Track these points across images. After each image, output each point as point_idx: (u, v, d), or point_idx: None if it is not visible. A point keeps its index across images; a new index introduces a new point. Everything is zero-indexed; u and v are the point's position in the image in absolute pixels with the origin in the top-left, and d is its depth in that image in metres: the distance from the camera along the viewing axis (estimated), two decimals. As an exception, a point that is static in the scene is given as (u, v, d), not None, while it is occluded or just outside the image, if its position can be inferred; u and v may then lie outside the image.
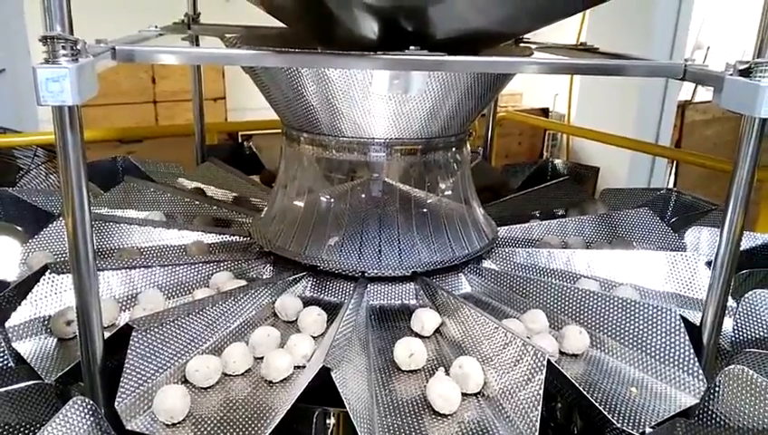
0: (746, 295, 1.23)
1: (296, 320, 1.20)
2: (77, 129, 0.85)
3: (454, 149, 1.42)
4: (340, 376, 0.93)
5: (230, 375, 1.04)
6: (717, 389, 1.02)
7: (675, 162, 4.23)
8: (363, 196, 1.36)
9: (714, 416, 1.02)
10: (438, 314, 1.21)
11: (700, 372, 1.05)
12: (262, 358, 1.05)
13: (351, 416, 0.88)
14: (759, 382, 0.97)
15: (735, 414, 1.00)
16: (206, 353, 1.06)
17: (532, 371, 0.95)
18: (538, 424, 0.88)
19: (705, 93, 4.89)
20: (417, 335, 1.17)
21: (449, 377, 1.02)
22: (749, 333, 1.22)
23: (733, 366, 1.03)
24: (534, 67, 1.12)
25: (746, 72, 0.95)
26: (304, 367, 1.05)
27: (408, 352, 1.08)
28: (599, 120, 3.58)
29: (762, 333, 1.22)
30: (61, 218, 1.43)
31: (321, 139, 1.36)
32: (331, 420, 1.12)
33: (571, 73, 3.88)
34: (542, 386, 0.92)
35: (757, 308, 1.23)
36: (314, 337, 1.14)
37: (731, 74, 0.96)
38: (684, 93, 4.76)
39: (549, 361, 0.94)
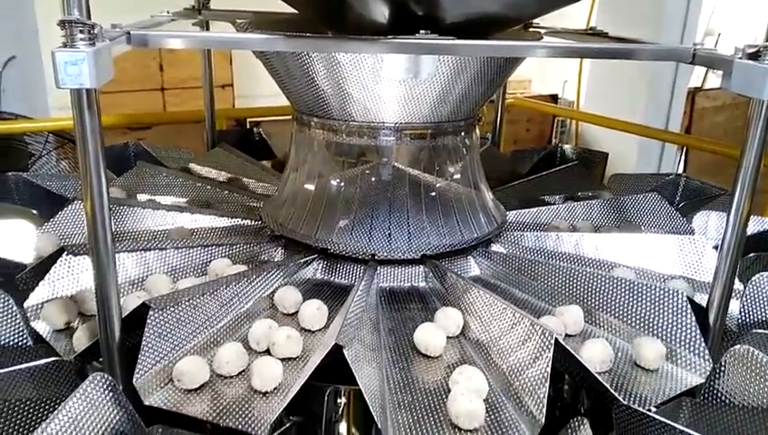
0: (753, 278, 1.24)
1: (296, 313, 1.18)
2: (95, 112, 0.87)
3: (463, 133, 1.43)
4: (352, 354, 0.95)
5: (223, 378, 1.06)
6: (723, 368, 1.04)
7: (684, 149, 4.21)
8: (373, 180, 1.38)
9: (719, 395, 1.03)
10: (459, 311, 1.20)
11: (706, 352, 1.06)
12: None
13: (363, 392, 0.90)
14: (764, 362, 0.99)
15: (741, 393, 1.01)
16: (222, 332, 1.09)
17: (540, 349, 0.97)
18: (546, 400, 0.90)
19: (715, 80, 4.87)
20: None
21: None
22: (755, 315, 1.23)
23: (738, 346, 1.04)
24: (544, 51, 1.12)
25: (755, 56, 0.95)
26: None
27: (428, 342, 1.10)
28: (608, 107, 3.57)
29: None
30: (75, 202, 1.46)
31: (331, 123, 1.37)
32: (342, 399, 1.15)
33: (580, 57, 3.84)
34: (550, 364, 0.93)
35: (764, 291, 1.24)
36: (314, 331, 1.15)
37: (740, 58, 0.97)
38: (694, 81, 4.74)
39: (557, 340, 0.96)
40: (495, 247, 1.46)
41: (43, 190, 1.65)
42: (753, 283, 1.24)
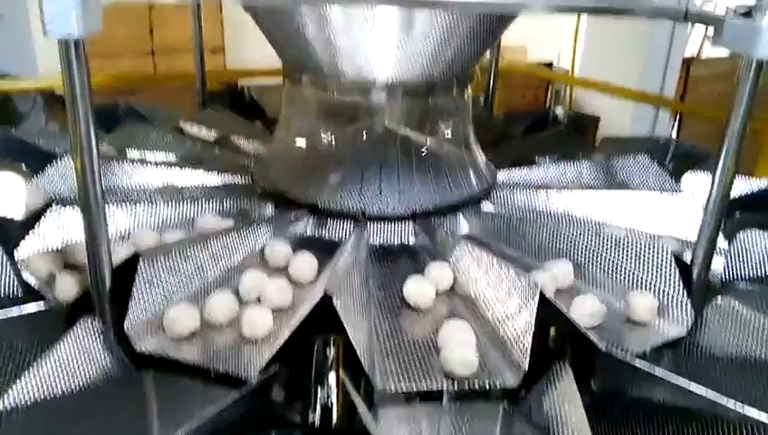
0: (738, 236, 1.26)
1: (286, 267, 1.19)
2: (83, 63, 0.86)
3: (455, 92, 1.43)
4: (341, 303, 0.96)
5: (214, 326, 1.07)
6: (705, 321, 1.06)
7: (678, 118, 4.21)
8: (364, 137, 1.38)
9: (700, 347, 1.06)
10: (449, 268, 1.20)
11: (688, 305, 1.08)
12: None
13: (351, 340, 0.92)
14: (744, 314, 1.01)
15: (720, 345, 1.04)
16: (212, 283, 1.10)
17: (525, 300, 0.99)
18: (529, 349, 0.92)
19: (711, 50, 4.83)
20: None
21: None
22: (738, 272, 1.25)
23: (720, 299, 1.07)
24: (537, 5, 1.12)
25: (747, 15, 0.95)
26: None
27: (418, 295, 1.11)
28: (603, 74, 3.55)
29: (751, 272, 1.25)
30: (65, 156, 1.45)
31: (322, 80, 1.37)
32: (331, 351, 1.16)
33: (573, 12, 3.82)
34: (534, 314, 0.95)
35: (747, 248, 1.26)
36: (304, 284, 1.15)
37: (732, 18, 0.97)
38: (690, 50, 4.71)
39: (542, 291, 0.97)
40: (485, 206, 1.47)
41: (31, 147, 1.64)
42: (738, 240, 1.26)
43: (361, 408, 0.83)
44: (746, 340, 0.99)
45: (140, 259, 1.01)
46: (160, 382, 0.95)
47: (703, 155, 1.85)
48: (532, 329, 0.94)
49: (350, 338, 0.92)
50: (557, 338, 1.04)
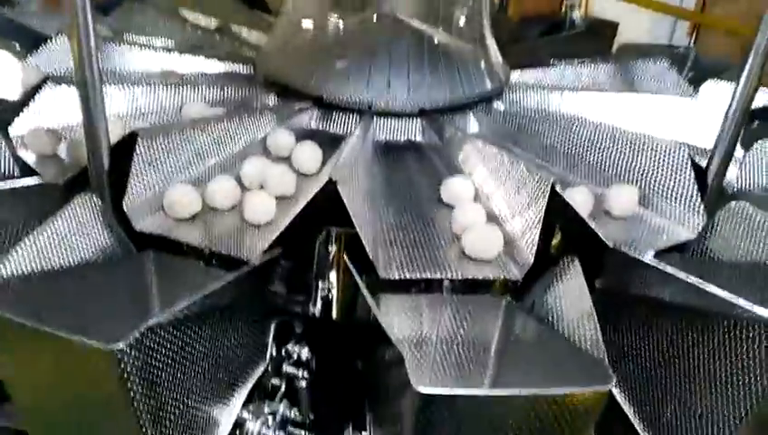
0: (756, 144, 1.22)
1: (289, 157, 1.15)
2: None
3: (470, -18, 1.35)
4: (346, 191, 0.93)
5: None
6: (716, 225, 1.04)
7: (695, 34, 4.05)
8: (373, 27, 1.31)
9: (709, 252, 1.04)
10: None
11: (701, 208, 1.06)
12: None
13: (357, 228, 0.90)
14: (757, 218, 0.99)
15: (730, 249, 1.02)
16: (214, 168, 1.07)
17: (535, 197, 0.96)
18: (536, 243, 0.90)
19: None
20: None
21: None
22: (753, 181, 1.22)
23: (733, 202, 1.04)
24: None
25: None
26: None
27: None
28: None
29: (765, 182, 1.22)
30: (60, 35, 1.38)
31: (330, -38, 1.28)
32: (333, 247, 1.15)
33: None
34: (543, 210, 0.92)
35: (763, 158, 1.22)
36: (308, 174, 1.12)
37: None
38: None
39: (553, 187, 0.94)
40: (497, 105, 1.42)
41: (24, 29, 1.57)
42: (754, 150, 1.23)
43: (366, 295, 0.82)
44: (758, 245, 0.97)
45: (139, 138, 0.97)
46: (160, 262, 0.93)
47: (722, 67, 1.77)
48: (540, 224, 0.92)
49: (355, 225, 0.90)
50: (565, 236, 1.02)
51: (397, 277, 0.89)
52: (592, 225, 0.92)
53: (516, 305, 0.92)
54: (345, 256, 0.92)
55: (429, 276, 0.90)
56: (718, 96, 1.53)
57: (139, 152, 0.96)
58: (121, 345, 0.61)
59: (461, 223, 0.97)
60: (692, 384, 0.87)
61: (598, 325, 0.76)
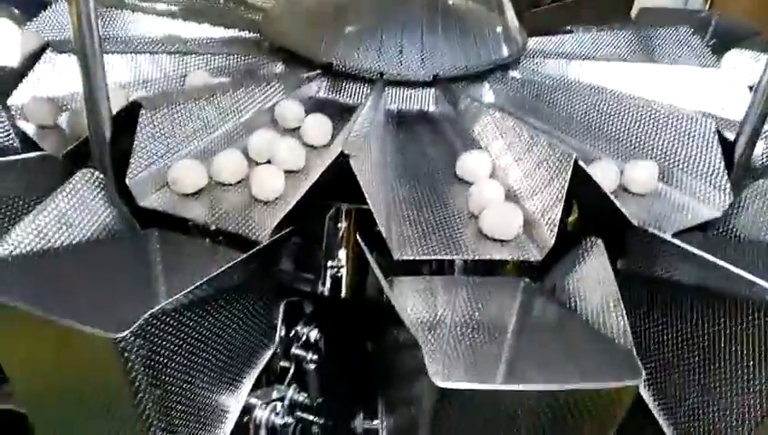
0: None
1: (297, 128, 1.10)
2: None
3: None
4: (358, 165, 0.89)
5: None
6: (742, 204, 0.99)
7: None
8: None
9: (734, 231, 1.00)
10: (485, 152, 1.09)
11: (728, 186, 1.01)
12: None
13: (370, 204, 0.86)
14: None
15: (756, 229, 0.98)
16: (220, 140, 1.03)
17: (557, 171, 0.92)
18: (557, 222, 0.86)
19: None
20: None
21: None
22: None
23: (761, 181, 0.99)
24: None
25: None
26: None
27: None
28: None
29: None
30: (59, 2, 1.32)
31: None
32: (343, 224, 1.11)
33: None
34: (566, 185, 0.88)
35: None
36: (317, 147, 1.07)
37: None
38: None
39: (576, 162, 0.90)
40: (513, 74, 1.36)
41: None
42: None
43: (379, 276, 0.78)
44: (786, 224, 0.93)
45: (142, 109, 0.93)
46: (165, 240, 0.90)
47: (744, 32, 1.70)
48: (562, 202, 0.87)
49: (368, 201, 0.86)
50: (584, 214, 0.98)
51: (411, 258, 0.85)
52: (617, 203, 0.88)
53: (536, 288, 0.89)
54: (357, 235, 0.88)
55: (446, 257, 0.86)
56: (742, 65, 1.47)
57: (142, 124, 0.92)
58: (125, 333, 0.58)
59: (478, 201, 0.93)
60: (715, 370, 0.84)
61: (624, 312, 0.72)
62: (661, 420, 0.90)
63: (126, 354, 0.59)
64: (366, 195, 0.86)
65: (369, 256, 0.81)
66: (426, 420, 0.65)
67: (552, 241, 0.86)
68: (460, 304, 0.91)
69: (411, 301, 0.87)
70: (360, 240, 0.85)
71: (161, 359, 0.65)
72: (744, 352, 0.80)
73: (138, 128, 0.91)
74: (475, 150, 1.05)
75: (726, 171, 1.03)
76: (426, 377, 0.63)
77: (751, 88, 1.30)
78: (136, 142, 0.91)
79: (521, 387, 0.61)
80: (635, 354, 0.67)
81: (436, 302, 0.90)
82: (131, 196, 0.88)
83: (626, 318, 0.72)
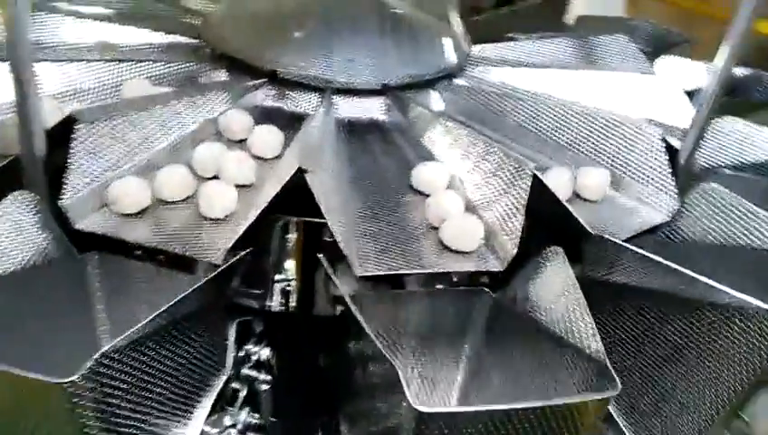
0: (716, 122, 1.20)
1: (245, 140, 1.05)
2: None
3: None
4: (315, 180, 0.86)
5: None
6: (689, 206, 1.02)
7: None
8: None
9: (680, 234, 1.03)
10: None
11: (675, 190, 1.04)
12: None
13: (329, 223, 0.82)
14: (730, 200, 0.98)
15: (701, 231, 1.01)
16: (162, 155, 0.97)
17: (514, 180, 0.91)
18: (518, 232, 0.86)
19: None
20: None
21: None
22: (715, 159, 1.21)
23: (706, 183, 1.02)
24: None
25: None
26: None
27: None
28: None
29: (727, 160, 1.21)
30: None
31: None
32: (292, 236, 1.07)
33: None
34: (525, 196, 0.88)
35: (725, 134, 1.21)
36: (267, 159, 1.03)
37: None
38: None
39: (534, 173, 0.89)
40: (460, 81, 1.36)
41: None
42: (715, 127, 1.21)
43: (342, 290, 0.75)
44: (732, 227, 0.96)
45: (77, 123, 0.86)
46: (106, 267, 0.84)
47: (675, 39, 1.77)
48: (522, 212, 0.87)
49: (326, 218, 0.83)
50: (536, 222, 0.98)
51: (374, 274, 0.82)
52: (574, 212, 0.88)
53: (499, 299, 0.88)
54: (321, 256, 0.84)
55: (409, 272, 0.84)
56: (675, 71, 1.53)
57: (77, 139, 0.85)
58: (74, 377, 0.53)
59: (436, 212, 0.91)
60: (670, 372, 0.86)
61: (592, 319, 0.72)
62: (620, 420, 0.91)
63: (75, 399, 0.54)
64: (323, 211, 0.83)
65: (330, 271, 0.78)
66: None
67: (514, 251, 0.85)
68: (421, 317, 0.89)
69: (371, 314, 0.85)
70: (322, 258, 0.82)
71: (111, 399, 0.60)
72: (700, 355, 0.82)
73: (72, 144, 0.85)
74: (431, 162, 1.03)
75: (672, 175, 1.05)
76: (401, 399, 0.60)
77: (688, 93, 1.35)
78: (71, 160, 0.84)
79: (501, 407, 0.59)
80: (607, 363, 0.66)
81: (397, 315, 0.88)
82: (67, 218, 0.82)
83: (594, 324, 0.71)
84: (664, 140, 1.07)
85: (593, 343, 0.70)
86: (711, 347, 0.80)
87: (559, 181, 1.00)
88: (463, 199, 0.94)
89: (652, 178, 1.06)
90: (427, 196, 0.97)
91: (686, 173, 1.07)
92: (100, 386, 0.56)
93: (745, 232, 0.94)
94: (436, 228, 0.91)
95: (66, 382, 0.52)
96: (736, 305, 0.78)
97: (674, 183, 1.04)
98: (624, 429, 0.90)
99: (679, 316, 0.83)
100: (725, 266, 0.94)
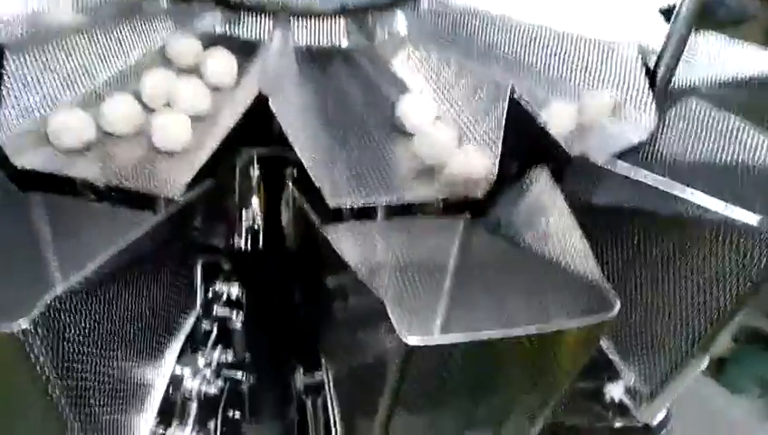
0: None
1: (196, 68, 0.96)
2: None
3: None
4: (278, 107, 0.79)
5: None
6: (667, 123, 0.99)
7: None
8: None
9: (659, 153, 1.00)
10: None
11: (653, 109, 1.00)
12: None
13: (297, 152, 0.76)
14: (712, 115, 0.95)
15: (681, 150, 0.99)
16: (106, 85, 0.88)
17: (492, 100, 0.86)
18: (499, 152, 0.81)
19: None
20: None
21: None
22: (693, 80, 1.19)
23: (684, 100, 1.00)
24: None
25: None
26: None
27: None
28: None
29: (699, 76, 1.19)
30: None
31: None
32: (255, 171, 1.00)
33: None
34: (504, 115, 0.83)
35: (696, 51, 1.19)
36: (222, 88, 0.94)
37: None
38: None
39: (511, 91, 0.84)
40: (423, 3, 1.28)
41: None
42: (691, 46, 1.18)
43: (317, 223, 0.70)
44: (713, 144, 0.94)
45: (6, 52, 0.77)
46: (52, 207, 0.76)
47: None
48: (502, 131, 0.82)
49: (294, 147, 0.76)
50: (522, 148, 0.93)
51: (348, 205, 0.77)
52: (556, 137, 0.84)
53: (478, 224, 0.84)
54: (291, 185, 0.78)
55: (385, 201, 0.79)
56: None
57: (9, 70, 0.76)
58: (24, 324, 0.46)
59: (429, 151, 0.85)
60: (659, 289, 0.84)
61: (584, 237, 0.68)
62: (604, 343, 0.90)
63: (28, 348, 0.48)
64: (291, 140, 0.76)
65: (305, 204, 0.73)
66: (391, 376, 0.58)
67: (495, 172, 0.81)
68: (397, 246, 0.85)
69: (346, 244, 0.80)
70: (294, 189, 0.76)
71: (70, 346, 0.54)
72: (688, 272, 0.81)
73: (4, 75, 0.75)
74: (411, 93, 0.96)
75: (650, 92, 1.02)
76: (387, 331, 0.56)
77: (663, 12, 1.31)
78: (4, 92, 0.75)
79: (493, 334, 0.56)
80: (605, 284, 0.63)
81: (374, 244, 0.83)
82: (5, 156, 0.73)
83: (587, 243, 0.68)
84: (641, 58, 1.03)
85: (586, 263, 0.67)
86: (699, 264, 0.78)
87: (561, 114, 0.95)
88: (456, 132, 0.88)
89: (630, 97, 1.02)
90: (405, 128, 0.91)
91: (663, 92, 1.04)
92: (54, 332, 0.50)
93: (729, 148, 0.92)
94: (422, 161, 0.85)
95: (15, 330, 0.46)
96: (725, 221, 0.76)
97: (652, 102, 1.01)
98: (607, 351, 0.90)
99: (666, 234, 0.81)
100: (709, 185, 0.92)
